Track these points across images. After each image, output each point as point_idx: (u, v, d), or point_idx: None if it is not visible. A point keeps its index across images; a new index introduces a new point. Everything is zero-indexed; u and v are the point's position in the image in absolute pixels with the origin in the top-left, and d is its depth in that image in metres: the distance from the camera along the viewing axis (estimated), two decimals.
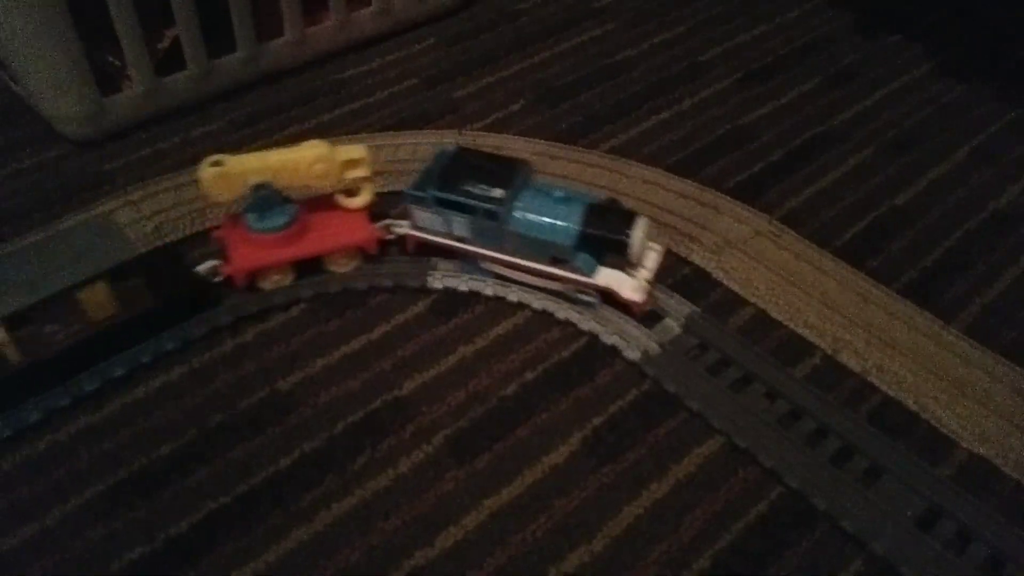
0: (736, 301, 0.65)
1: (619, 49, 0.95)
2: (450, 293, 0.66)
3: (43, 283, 0.54)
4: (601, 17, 1.01)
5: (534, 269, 0.63)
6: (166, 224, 0.69)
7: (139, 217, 0.70)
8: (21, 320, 0.54)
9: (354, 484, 0.53)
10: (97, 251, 0.56)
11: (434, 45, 0.95)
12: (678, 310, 0.63)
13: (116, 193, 0.73)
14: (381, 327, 0.63)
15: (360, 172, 0.64)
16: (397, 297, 0.65)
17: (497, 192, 0.61)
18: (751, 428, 0.56)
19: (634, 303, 0.62)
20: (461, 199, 0.62)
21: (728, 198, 0.73)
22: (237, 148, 0.79)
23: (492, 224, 0.62)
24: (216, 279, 0.64)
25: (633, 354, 0.61)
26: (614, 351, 0.61)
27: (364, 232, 0.66)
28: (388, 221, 0.67)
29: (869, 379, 0.60)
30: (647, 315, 0.63)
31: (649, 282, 0.63)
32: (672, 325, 0.63)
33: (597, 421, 0.57)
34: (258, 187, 0.61)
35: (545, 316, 0.64)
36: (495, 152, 0.65)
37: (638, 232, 0.60)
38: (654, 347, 0.61)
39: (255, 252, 0.64)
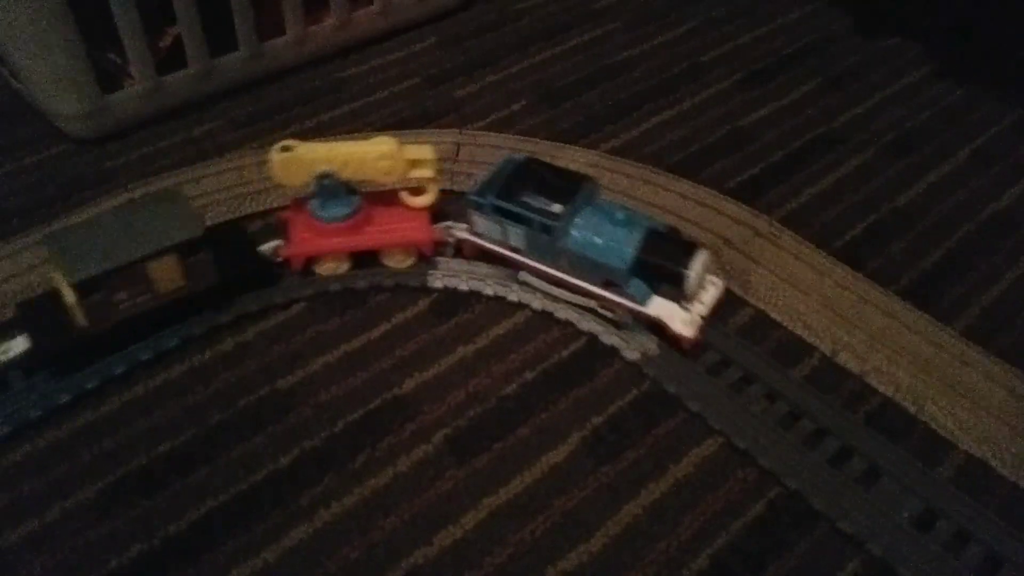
0: (735, 302, 0.65)
1: (620, 49, 0.95)
2: (450, 292, 0.66)
3: (114, 253, 0.56)
4: (602, 17, 1.01)
5: (585, 289, 0.62)
6: None
7: None
8: (91, 286, 0.55)
9: (354, 483, 0.54)
10: (168, 225, 0.58)
11: (435, 45, 0.95)
12: None
13: (118, 191, 0.73)
14: (381, 326, 0.63)
15: (425, 172, 0.64)
16: (397, 296, 0.66)
17: (556, 207, 0.60)
18: (750, 429, 0.56)
19: (684, 338, 0.60)
20: (519, 210, 0.61)
21: (728, 199, 0.73)
22: (238, 147, 0.79)
23: (547, 239, 0.61)
24: (276, 259, 0.65)
25: (632, 354, 0.61)
26: (613, 351, 0.62)
27: (423, 232, 0.66)
28: (448, 224, 0.67)
29: (868, 381, 0.60)
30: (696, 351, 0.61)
31: (704, 318, 0.61)
32: None
33: (596, 421, 0.57)
34: (323, 176, 0.62)
35: (545, 316, 0.64)
36: (562, 167, 0.64)
37: (697, 265, 0.58)
38: (653, 347, 0.61)
39: (314, 239, 0.65)
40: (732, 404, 0.57)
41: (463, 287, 0.66)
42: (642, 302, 0.60)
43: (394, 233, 0.65)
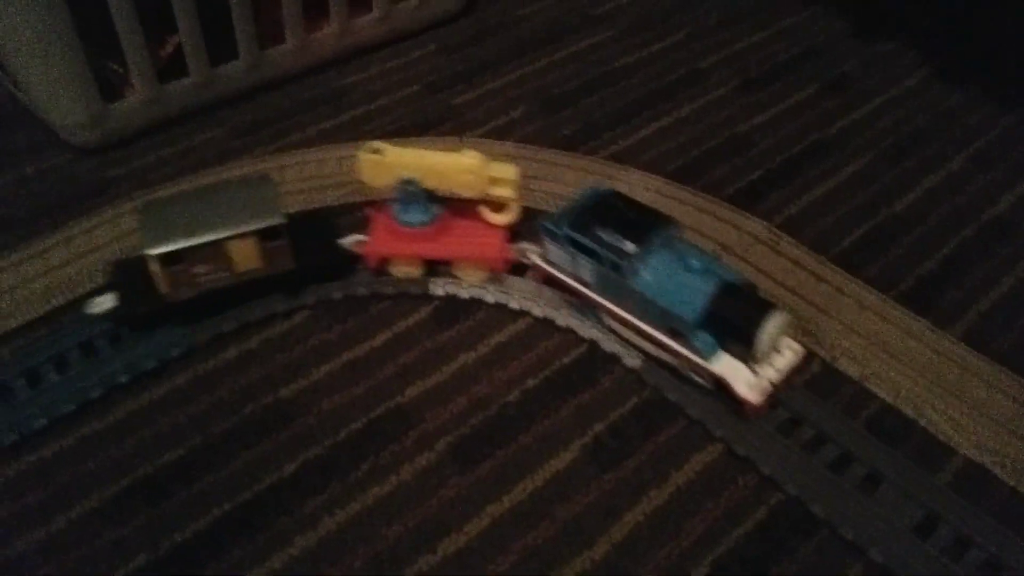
0: None
1: (618, 56, 0.95)
2: (452, 300, 0.66)
3: (197, 229, 0.59)
4: (600, 24, 1.01)
5: (649, 335, 0.60)
6: None
7: None
8: (175, 258, 0.59)
9: (357, 491, 0.54)
10: (252, 208, 0.60)
11: (434, 52, 0.96)
12: None
13: (119, 200, 0.73)
14: (383, 334, 0.64)
15: (505, 191, 0.64)
16: (399, 304, 0.66)
17: (629, 245, 0.58)
18: (750, 435, 0.56)
19: (747, 402, 0.56)
20: (591, 243, 0.59)
21: (727, 205, 0.74)
22: (239, 155, 0.80)
23: (616, 277, 0.59)
24: (355, 253, 0.67)
25: (633, 361, 0.61)
26: (615, 358, 0.62)
27: (497, 250, 0.65)
28: (524, 245, 0.66)
29: (867, 386, 0.60)
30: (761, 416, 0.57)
31: (774, 384, 0.57)
32: None
33: (598, 428, 0.58)
34: (405, 181, 0.63)
35: (546, 323, 0.64)
36: (646, 204, 0.62)
37: (770, 327, 0.54)
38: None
39: (392, 240, 0.66)
40: (731, 411, 0.58)
41: (464, 294, 0.66)
42: (707, 357, 0.57)
43: (468, 247, 0.66)
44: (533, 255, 0.65)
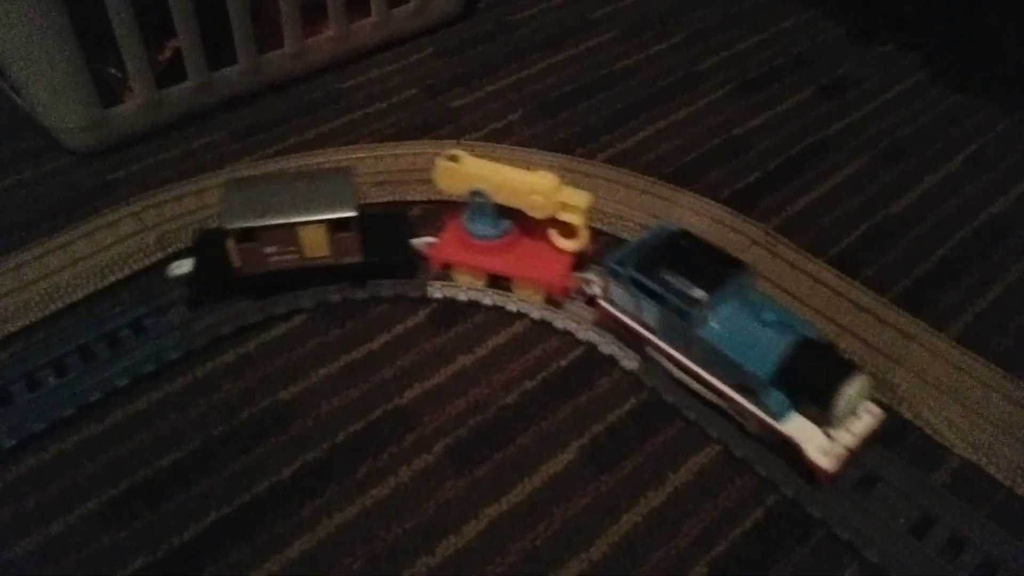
0: None
1: (616, 59, 0.95)
2: (449, 303, 0.66)
3: (272, 211, 0.61)
4: (597, 28, 1.01)
5: (716, 388, 0.56)
6: (169, 234, 0.70)
7: (141, 227, 0.71)
8: (248, 236, 0.61)
9: (355, 493, 0.54)
10: (328, 198, 0.62)
11: (432, 56, 0.96)
12: None
13: (118, 204, 0.74)
14: (381, 337, 0.64)
15: (574, 218, 0.63)
16: (397, 307, 0.66)
17: (698, 292, 0.54)
18: (746, 438, 0.56)
19: (819, 468, 0.52)
20: (657, 288, 0.56)
21: (724, 207, 0.74)
22: (237, 159, 0.80)
23: (683, 324, 0.55)
24: (422, 255, 0.67)
25: (631, 364, 0.61)
26: (612, 361, 0.62)
27: (558, 276, 0.64)
28: (588, 276, 0.64)
29: None
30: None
31: (849, 450, 0.52)
32: None
33: (596, 430, 0.58)
34: (475, 193, 0.63)
35: (544, 325, 0.65)
36: (718, 246, 0.59)
37: (849, 391, 0.50)
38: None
39: (457, 248, 0.66)
40: (728, 413, 0.58)
41: (462, 297, 0.66)
42: (778, 418, 0.53)
43: (530, 268, 0.65)
44: (595, 289, 0.63)
